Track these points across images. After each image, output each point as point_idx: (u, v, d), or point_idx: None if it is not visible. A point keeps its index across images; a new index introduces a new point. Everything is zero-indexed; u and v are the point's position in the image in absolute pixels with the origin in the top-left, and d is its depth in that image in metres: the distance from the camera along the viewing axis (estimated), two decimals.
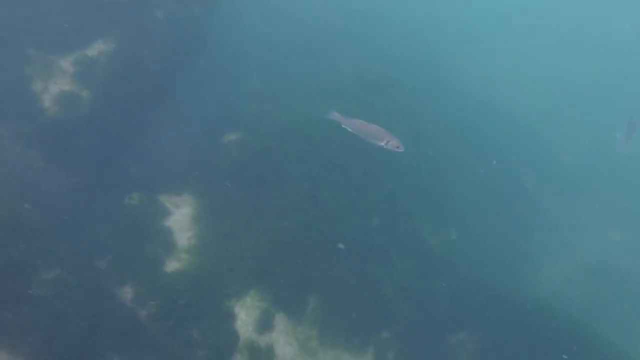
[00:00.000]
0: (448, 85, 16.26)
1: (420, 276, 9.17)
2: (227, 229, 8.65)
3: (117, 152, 9.19)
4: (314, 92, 11.45)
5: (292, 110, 10.71)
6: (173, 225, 8.77)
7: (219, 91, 11.40)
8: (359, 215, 9.15)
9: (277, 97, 11.10)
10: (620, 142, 10.65)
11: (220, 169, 9.55)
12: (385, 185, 9.87)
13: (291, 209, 8.75)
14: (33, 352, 6.60)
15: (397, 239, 9.45)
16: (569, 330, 8.99)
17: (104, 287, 7.61)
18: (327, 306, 8.14)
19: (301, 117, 10.36)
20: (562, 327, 9.01)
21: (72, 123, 8.49)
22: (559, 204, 15.49)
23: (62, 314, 6.92)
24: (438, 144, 11.94)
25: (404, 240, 9.56)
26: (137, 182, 9.11)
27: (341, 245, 8.39)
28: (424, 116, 12.62)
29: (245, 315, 7.62)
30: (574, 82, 20.66)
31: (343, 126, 6.96)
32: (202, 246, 8.44)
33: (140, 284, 7.70)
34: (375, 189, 9.68)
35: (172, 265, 8.08)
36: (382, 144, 6.71)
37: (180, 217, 8.91)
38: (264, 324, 7.61)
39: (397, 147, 6.67)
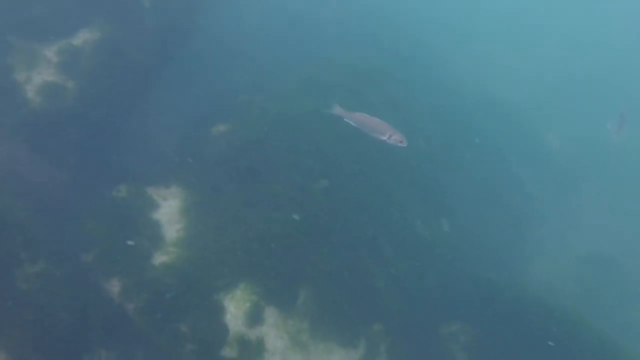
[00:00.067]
0: (442, 78, 16.16)
1: (412, 268, 9.10)
2: (216, 222, 8.51)
3: (104, 144, 9.02)
4: (305, 84, 11.31)
5: (282, 102, 10.57)
6: (161, 218, 8.62)
7: (208, 82, 11.23)
8: (351, 206, 9.05)
9: (267, 89, 10.96)
10: (611, 134, 10.63)
11: (209, 160, 9.41)
12: (377, 177, 9.77)
13: (282, 200, 8.64)
14: (18, 347, 6.47)
15: (389, 230, 9.37)
16: (561, 321, 8.96)
17: (90, 280, 7.47)
18: (318, 299, 8.05)
19: (292, 109, 10.23)
20: (554, 318, 8.97)
21: (57, 114, 8.32)
22: (551, 195, 15.50)
23: (48, 308, 6.79)
24: (431, 136, 11.86)
25: (396, 232, 9.49)
26: (124, 174, 8.94)
27: (296, 216, 8.18)
28: (417, 108, 12.52)
29: (234, 309, 7.51)
30: (569, 76, 20.71)
31: (345, 120, 6.85)
32: (191, 239, 8.30)
33: (127, 277, 7.56)
34: (367, 181, 9.58)
35: (160, 259, 7.94)
36: (385, 138, 6.62)
37: (169, 210, 8.76)
38: (254, 317, 7.51)
39: (400, 142, 6.58)
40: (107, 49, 8.72)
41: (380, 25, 17.10)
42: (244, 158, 9.31)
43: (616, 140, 10.44)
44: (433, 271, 9.28)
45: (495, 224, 12.76)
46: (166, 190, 9.06)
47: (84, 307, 7.10)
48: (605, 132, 11.61)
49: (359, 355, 7.95)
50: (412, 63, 15.69)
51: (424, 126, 11.75)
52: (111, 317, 7.28)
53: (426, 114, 12.47)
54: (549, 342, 8.17)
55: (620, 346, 8.78)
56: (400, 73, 13.60)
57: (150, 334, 7.24)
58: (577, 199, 16.16)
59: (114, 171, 8.97)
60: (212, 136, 9.96)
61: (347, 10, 17.07)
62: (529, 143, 16.35)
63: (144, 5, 9.46)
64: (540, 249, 13.97)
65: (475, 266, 10.15)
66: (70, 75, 8.44)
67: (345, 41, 14.93)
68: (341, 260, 8.42)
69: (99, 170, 8.78)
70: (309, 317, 7.84)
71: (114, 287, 7.53)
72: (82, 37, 8.60)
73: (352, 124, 6.79)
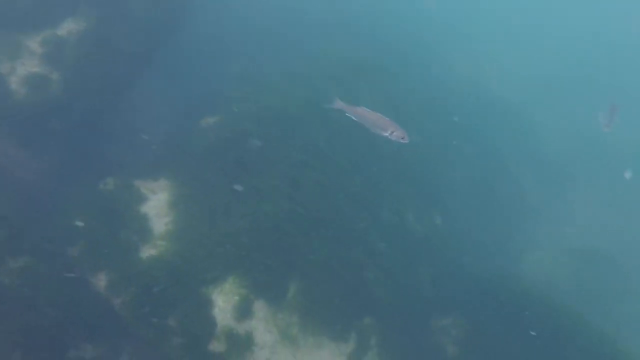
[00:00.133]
0: (437, 73, 16.05)
1: (403, 261, 9.02)
2: (205, 214, 8.40)
3: (91, 136, 8.88)
4: (296, 76, 11.18)
5: (273, 94, 10.43)
6: (149, 211, 8.50)
7: (197, 74, 11.08)
8: (341, 199, 8.95)
9: (257, 81, 10.81)
10: (601, 125, 10.56)
11: (198, 153, 9.28)
12: (368, 169, 9.67)
13: (271, 193, 8.53)
14: (1, 342, 6.36)
15: (380, 223, 9.28)
16: (554, 315, 8.92)
17: (76, 274, 7.35)
18: (308, 292, 7.96)
19: (282, 101, 10.10)
20: (547, 312, 8.93)
21: (42, 106, 8.18)
22: (545, 190, 15.44)
23: (32, 303, 6.68)
24: (424, 129, 11.76)
25: (387, 225, 9.40)
26: (111, 167, 8.82)
27: (238, 187, 8.02)
28: (411, 102, 12.41)
29: (223, 302, 7.42)
30: (564, 73, 20.65)
31: (347, 114, 6.72)
32: (179, 232, 8.19)
33: (114, 271, 7.45)
34: (359, 173, 9.48)
35: (147, 252, 7.83)
36: (387, 134, 6.52)
37: (157, 203, 8.64)
38: (243, 311, 7.42)
39: (402, 138, 6.49)
40: (92, 39, 8.57)
41: (375, 20, 16.98)
42: (233, 150, 9.19)
43: (606, 133, 10.35)
44: (425, 265, 9.20)
45: (489, 218, 12.70)
46: (154, 183, 8.94)
47: (69, 301, 6.98)
48: (597, 126, 11.57)
49: (350, 349, 7.87)
50: (407, 58, 15.55)
51: (417, 120, 11.64)
52: (97, 312, 7.17)
53: (419, 108, 12.36)
54: (531, 332, 8.13)
55: (614, 341, 8.75)
56: (395, 67, 13.48)
57: (137, 328, 7.15)
58: (571, 193, 16.11)
59: (100, 164, 8.84)
60: (200, 128, 9.83)
61: (342, 6, 16.90)
62: (523, 138, 16.27)
63: None
64: (534, 243, 13.90)
65: (467, 260, 10.08)
66: (55, 67, 8.28)
67: (339, 36, 14.79)
68: (332, 253, 8.33)
69: (86, 163, 8.66)
70: (298, 311, 7.75)
71: (101, 281, 7.43)
72: (67, 28, 8.44)
73: (354, 118, 6.69)
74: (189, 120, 10.00)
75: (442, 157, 12.21)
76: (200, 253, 7.87)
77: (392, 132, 6.49)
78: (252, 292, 7.61)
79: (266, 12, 14.35)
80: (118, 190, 8.56)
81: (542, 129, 17.33)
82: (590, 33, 23.63)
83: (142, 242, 8.02)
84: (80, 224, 7.56)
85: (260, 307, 7.55)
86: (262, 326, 7.41)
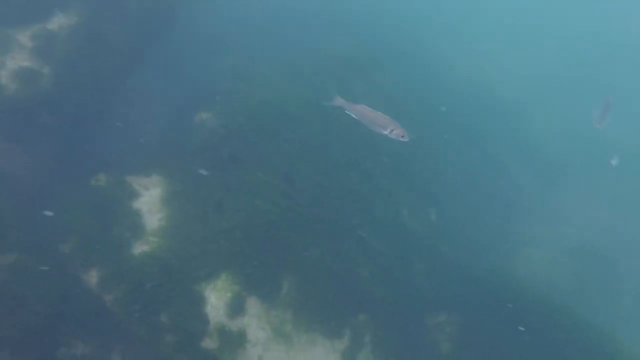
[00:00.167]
0: (433, 70, 15.99)
1: (398, 257, 8.98)
2: (198, 210, 8.33)
3: (82, 132, 8.79)
4: (290, 72, 11.10)
5: (267, 89, 10.36)
6: (142, 207, 8.43)
7: (191, 70, 10.98)
8: (335, 195, 8.89)
9: (253, 77, 10.72)
10: (594, 122, 10.49)
11: (191, 148, 9.20)
12: (362, 165, 9.62)
13: (265, 188, 8.47)
14: None
15: (375, 219, 9.23)
16: (549, 312, 8.89)
17: (67, 271, 7.28)
18: (302, 289, 7.91)
19: (276, 96, 10.02)
20: (543, 309, 8.90)
21: (33, 100, 8.07)
22: (540, 186, 15.42)
23: (21, 299, 6.59)
24: (420, 126, 11.69)
25: (382, 221, 9.35)
26: (103, 163, 8.74)
27: (203, 172, 7.92)
28: (404, 96, 12.35)
29: (216, 299, 7.36)
30: (560, 70, 20.64)
31: (346, 112, 6.64)
32: (172, 228, 8.12)
33: (106, 268, 7.37)
34: (353, 169, 9.42)
35: (140, 248, 7.76)
36: (387, 132, 6.45)
37: (149, 199, 8.57)
38: (236, 308, 7.37)
39: (402, 137, 6.43)
40: (83, 34, 8.46)
41: (374, 19, 16.89)
42: (227, 146, 9.12)
43: (606, 131, 10.28)
44: (419, 261, 9.16)
45: (483, 215, 12.67)
46: (147, 179, 8.86)
47: (60, 298, 6.90)
48: (590, 122, 11.52)
49: (344, 346, 7.83)
50: (405, 57, 15.51)
51: (412, 116, 11.58)
52: (89, 309, 7.09)
53: (414, 104, 12.31)
54: (520, 327, 8.11)
55: (610, 337, 8.73)
56: (392, 65, 13.42)
57: (129, 325, 7.08)
58: (565, 189, 16.10)
59: (92, 160, 8.75)
60: (194, 124, 9.75)
61: (341, 6, 16.78)
62: (521, 135, 16.25)
63: None
64: (528, 240, 13.88)
65: (462, 256, 10.04)
66: (46, 61, 8.18)
67: (337, 34, 14.69)
68: (326, 250, 8.28)
69: (77, 159, 8.56)
70: (292, 308, 7.70)
71: (92, 277, 7.35)
72: (57, 22, 8.33)
73: (354, 116, 6.62)
74: (183, 116, 9.92)
75: (438, 154, 12.15)
76: (193, 249, 7.81)
77: (392, 130, 6.44)
78: (245, 288, 7.56)
79: (263, 9, 14.27)
80: (110, 186, 8.48)
81: (539, 127, 17.32)
82: (590, 32, 23.62)
83: (134, 238, 7.94)
84: (49, 213, 7.44)
85: (253, 304, 7.49)
86: (255, 323, 7.35)
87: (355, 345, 7.94)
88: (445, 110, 12.25)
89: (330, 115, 9.83)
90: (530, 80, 19.55)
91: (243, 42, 12.39)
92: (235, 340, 7.11)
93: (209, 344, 7.03)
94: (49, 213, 7.46)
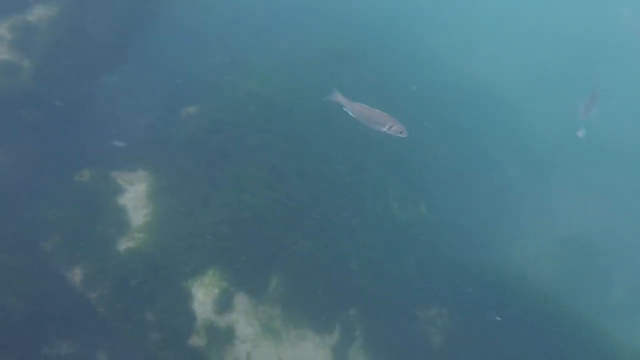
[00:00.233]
0: (419, 60, 15.89)
1: (389, 251, 8.89)
2: (184, 206, 8.18)
3: (64, 126, 8.57)
4: (278, 64, 10.94)
5: (254, 82, 10.20)
6: (127, 203, 8.26)
7: (176, 63, 10.77)
8: (324, 188, 8.77)
9: (239, 69, 10.56)
10: (579, 114, 10.43)
11: (177, 143, 9.03)
12: (351, 158, 9.51)
13: (252, 182, 8.33)
14: None
15: (365, 213, 9.13)
16: (540, 303, 8.86)
17: (50, 269, 7.11)
18: (291, 284, 7.79)
19: (265, 89, 9.87)
20: (534, 300, 8.87)
21: (13, 94, 7.84)
22: (530, 178, 15.40)
23: (2, 298, 6.42)
24: (408, 117, 11.56)
25: (372, 214, 9.26)
26: (87, 158, 8.54)
27: (119, 144, 7.70)
28: (394, 90, 12.24)
29: (203, 295, 7.22)
30: (551, 64, 20.63)
31: (344, 109, 6.55)
32: (158, 224, 7.96)
33: (90, 265, 7.21)
34: (342, 162, 9.31)
35: (125, 245, 7.60)
36: (385, 129, 6.39)
37: (135, 195, 8.40)
38: (224, 304, 7.24)
39: (401, 133, 6.38)
40: (64, 26, 8.24)
41: (361, 12, 16.71)
42: (214, 140, 8.96)
43: (584, 121, 10.24)
44: (410, 254, 9.08)
45: (474, 207, 12.62)
46: (132, 175, 8.69)
47: (42, 296, 6.73)
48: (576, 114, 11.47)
49: (334, 341, 7.74)
50: (393, 49, 15.39)
51: (401, 108, 11.46)
52: (73, 307, 6.93)
53: (404, 96, 12.19)
54: (497, 317, 8.08)
55: (597, 327, 8.72)
56: (380, 57, 13.31)
57: (114, 323, 6.93)
58: (556, 182, 16.11)
59: (76, 155, 8.54)
60: (181, 118, 9.59)
61: None
62: (508, 127, 16.20)
63: None
64: (519, 232, 13.88)
65: (453, 249, 9.98)
66: (26, 54, 7.96)
67: (323, 26, 14.54)
68: (315, 244, 8.17)
69: (60, 154, 8.36)
70: (281, 303, 7.58)
71: (76, 275, 7.18)
72: (37, 13, 8.10)
73: (351, 114, 6.56)
74: (168, 110, 9.75)
75: (427, 146, 12.07)
76: (180, 245, 7.67)
77: (391, 126, 6.37)
78: (233, 284, 7.43)
79: (250, 2, 14.05)
80: (94, 182, 8.31)
81: (530, 120, 17.29)
82: (583, 27, 23.61)
83: (119, 234, 7.78)
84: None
85: (241, 300, 7.37)
86: (243, 319, 7.23)
87: (345, 340, 7.85)
88: (415, 89, 12.00)
89: (319, 107, 9.70)
90: (522, 74, 19.52)
91: (229, 35, 12.19)
92: (223, 337, 6.99)
93: (196, 341, 6.90)
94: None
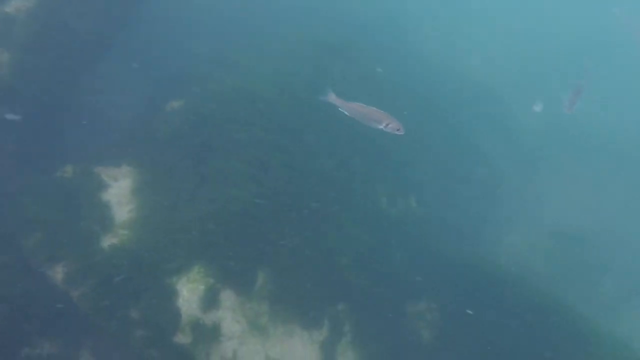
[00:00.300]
0: (408, 52, 15.77)
1: (378, 245, 8.79)
2: (169, 201, 8.04)
3: (46, 122, 8.40)
4: (265, 57, 10.79)
5: (241, 76, 10.04)
6: (111, 199, 8.11)
7: (160, 57, 10.58)
8: (312, 182, 8.66)
9: (225, 63, 10.39)
10: (564, 107, 10.39)
11: (162, 137, 8.87)
12: (340, 152, 9.39)
13: (239, 177, 8.20)
14: None
15: (354, 207, 9.02)
16: (531, 296, 8.81)
17: (31, 267, 6.95)
18: (278, 279, 7.67)
19: (252, 82, 9.72)
20: (524, 293, 8.81)
21: None
22: (521, 171, 15.37)
23: None
24: (398, 110, 11.46)
25: (361, 209, 9.15)
26: (70, 154, 8.38)
27: (11, 116, 7.50)
28: (383, 82, 12.12)
29: (188, 292, 7.09)
30: (540, 55, 20.57)
31: (340, 109, 6.54)
32: (143, 219, 7.82)
33: (72, 263, 7.06)
34: (330, 156, 9.20)
35: (108, 241, 7.45)
36: (382, 126, 6.44)
37: (119, 191, 8.24)
38: (210, 301, 7.11)
39: (398, 130, 6.42)
40: (44, 18, 8.04)
41: (347, 4, 16.52)
42: (199, 134, 8.81)
43: (568, 114, 10.20)
44: (399, 248, 8.99)
45: (464, 201, 12.55)
46: (116, 170, 8.53)
47: (22, 295, 6.59)
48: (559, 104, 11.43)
49: (323, 337, 7.64)
50: (381, 41, 15.25)
51: (389, 101, 11.36)
52: (55, 306, 6.78)
53: (392, 89, 12.08)
54: (468, 311, 8.05)
55: (587, 319, 8.69)
56: (368, 49, 13.17)
57: (98, 321, 6.79)
58: (546, 174, 16.09)
59: (58, 151, 8.38)
60: (166, 113, 9.41)
61: None
62: (498, 120, 16.14)
63: None
64: (510, 225, 13.85)
65: (443, 243, 9.91)
66: (5, 47, 7.75)
67: (309, 19, 14.38)
68: (303, 239, 8.05)
69: (42, 150, 8.18)
70: (268, 299, 7.47)
71: (58, 273, 7.02)
72: (15, 5, 7.89)
73: (346, 113, 6.57)
74: (153, 105, 9.57)
75: (417, 140, 11.97)
76: (165, 241, 7.52)
77: (387, 124, 6.41)
78: (219, 281, 7.30)
79: None
80: (77, 178, 8.15)
81: (518, 112, 17.24)
82: (574, 20, 23.59)
83: (103, 231, 7.63)
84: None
85: (227, 297, 7.24)
86: (229, 316, 7.11)
87: (334, 335, 7.76)
88: (381, 71, 11.82)
89: (306, 101, 9.58)
90: (512, 68, 19.47)
91: (215, 29, 11.99)
92: (209, 334, 6.87)
93: (182, 338, 6.78)
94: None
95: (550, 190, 15.60)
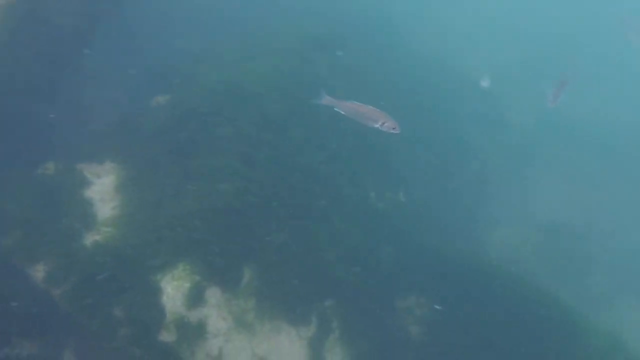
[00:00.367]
0: (397, 45, 15.70)
1: (366, 240, 8.70)
2: (154, 197, 7.91)
3: (27, 118, 8.22)
4: (251, 51, 10.66)
5: (227, 70, 9.92)
6: (94, 196, 7.98)
7: (143, 51, 10.41)
8: (299, 177, 8.55)
9: (209, 57, 10.27)
10: (548, 100, 10.37)
11: (147, 133, 8.74)
12: (327, 146, 9.29)
13: (225, 172, 8.08)
14: None
15: (341, 202, 8.92)
16: (520, 291, 8.77)
17: (10, 266, 6.79)
18: (265, 276, 7.57)
19: (238, 76, 9.60)
20: (514, 288, 8.77)
21: None
22: (510, 165, 15.36)
23: None
24: (385, 104, 11.37)
25: (349, 204, 9.06)
26: (51, 151, 8.22)
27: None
28: (371, 76, 12.04)
29: (173, 290, 6.96)
30: (529, 50, 20.60)
31: (335, 109, 6.51)
32: (126, 216, 7.68)
33: (53, 261, 6.91)
34: (317, 150, 9.09)
35: (91, 239, 7.31)
36: (377, 125, 6.42)
37: (102, 187, 8.11)
38: (195, 298, 6.99)
39: (394, 129, 6.41)
40: (22, 12, 7.86)
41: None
42: (185, 129, 8.68)
43: (551, 108, 10.19)
44: (388, 243, 8.90)
45: (453, 195, 12.50)
46: (99, 167, 8.40)
47: (2, 295, 6.43)
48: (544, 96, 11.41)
49: (310, 333, 7.55)
50: (369, 35, 15.16)
51: (377, 94, 11.26)
52: (35, 305, 6.64)
53: (380, 82, 12.01)
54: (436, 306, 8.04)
55: (576, 313, 8.68)
56: (356, 43, 13.09)
57: (80, 320, 6.65)
58: (535, 169, 16.09)
59: (39, 147, 8.20)
60: (151, 108, 9.29)
61: None
62: (487, 113, 16.12)
63: None
64: (499, 219, 13.82)
65: (432, 238, 9.83)
66: None
67: (296, 12, 14.25)
68: (290, 234, 7.95)
69: (21, 147, 7.99)
70: (255, 296, 7.36)
71: (38, 272, 6.88)
72: None
73: (342, 112, 6.54)
74: (138, 100, 9.44)
75: (406, 134, 11.88)
76: (149, 237, 7.38)
77: (383, 123, 6.39)
78: (205, 278, 7.18)
79: None
80: (59, 175, 8.02)
81: (508, 106, 17.23)
82: (565, 14, 23.63)
83: (85, 229, 7.49)
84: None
85: (213, 294, 7.13)
86: (215, 313, 7.00)
87: (322, 331, 7.67)
88: (341, 54, 11.66)
89: (293, 95, 9.48)
90: (499, 60, 19.47)
91: (202, 23, 11.85)
92: (194, 332, 6.76)
93: (166, 336, 6.66)
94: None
95: (540, 184, 15.61)
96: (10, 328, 6.31)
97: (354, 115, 6.51)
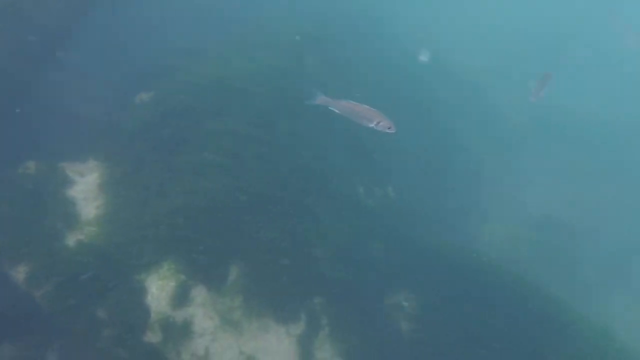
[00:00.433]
0: (388, 40, 15.62)
1: (355, 237, 8.62)
2: (138, 195, 7.78)
3: (6, 116, 8.04)
4: (235, 46, 10.54)
5: (212, 66, 9.79)
6: (77, 196, 7.84)
7: (129, 47, 10.24)
8: (287, 174, 8.45)
9: (194, 52, 10.13)
10: (530, 95, 10.38)
11: (131, 131, 8.59)
12: (316, 142, 9.19)
13: (211, 168, 7.96)
14: None
15: (330, 198, 8.82)
16: (509, 285, 8.72)
17: None
18: (252, 273, 7.46)
19: (223, 72, 9.47)
20: (504, 282, 8.73)
21: None
22: (500, 160, 15.34)
23: None
24: (374, 98, 11.28)
25: (337, 200, 8.96)
26: (33, 150, 8.04)
27: None
28: (358, 70, 11.95)
29: (158, 289, 6.84)
30: (520, 38, 20.62)
31: (330, 108, 6.45)
32: (110, 215, 7.55)
33: (35, 261, 6.76)
34: (305, 146, 8.99)
35: (74, 238, 7.17)
36: (372, 125, 6.39)
37: (85, 187, 7.98)
38: (180, 298, 6.87)
39: (389, 128, 6.39)
40: (2, 7, 7.68)
41: None
42: (170, 126, 8.54)
43: (534, 102, 10.22)
44: (377, 239, 8.82)
45: (443, 190, 12.44)
46: (82, 165, 8.27)
47: None
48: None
49: (299, 331, 7.44)
50: (356, 30, 15.05)
51: (365, 88, 11.18)
52: (17, 307, 6.48)
53: (368, 76, 11.92)
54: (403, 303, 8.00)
55: (571, 309, 8.64)
56: (342, 38, 12.99)
57: (62, 321, 6.51)
58: (526, 163, 16.09)
59: (20, 146, 8.01)
60: (134, 105, 9.14)
61: None
62: (478, 107, 16.10)
63: None
64: (489, 214, 13.79)
65: (422, 233, 9.77)
66: None
67: (284, 8, 14.12)
68: (277, 231, 7.84)
69: (2, 146, 7.82)
70: (242, 294, 7.25)
71: (20, 273, 6.72)
72: None
73: (337, 112, 6.50)
74: (121, 97, 9.27)
75: (395, 130, 11.80)
76: (133, 236, 7.27)
77: (378, 122, 6.36)
78: (191, 276, 7.06)
79: None
80: (40, 175, 7.86)
81: (498, 100, 17.22)
82: (554, 7, 23.70)
83: (68, 228, 7.35)
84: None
85: (199, 292, 7.01)
86: (201, 312, 6.88)
87: (311, 329, 7.57)
88: (299, 39, 11.50)
89: (280, 91, 9.37)
90: (488, 52, 19.46)
91: (188, 19, 11.68)
92: (179, 332, 6.63)
93: (152, 337, 6.53)
94: None
95: (531, 179, 15.61)
96: None
97: (349, 114, 6.48)
